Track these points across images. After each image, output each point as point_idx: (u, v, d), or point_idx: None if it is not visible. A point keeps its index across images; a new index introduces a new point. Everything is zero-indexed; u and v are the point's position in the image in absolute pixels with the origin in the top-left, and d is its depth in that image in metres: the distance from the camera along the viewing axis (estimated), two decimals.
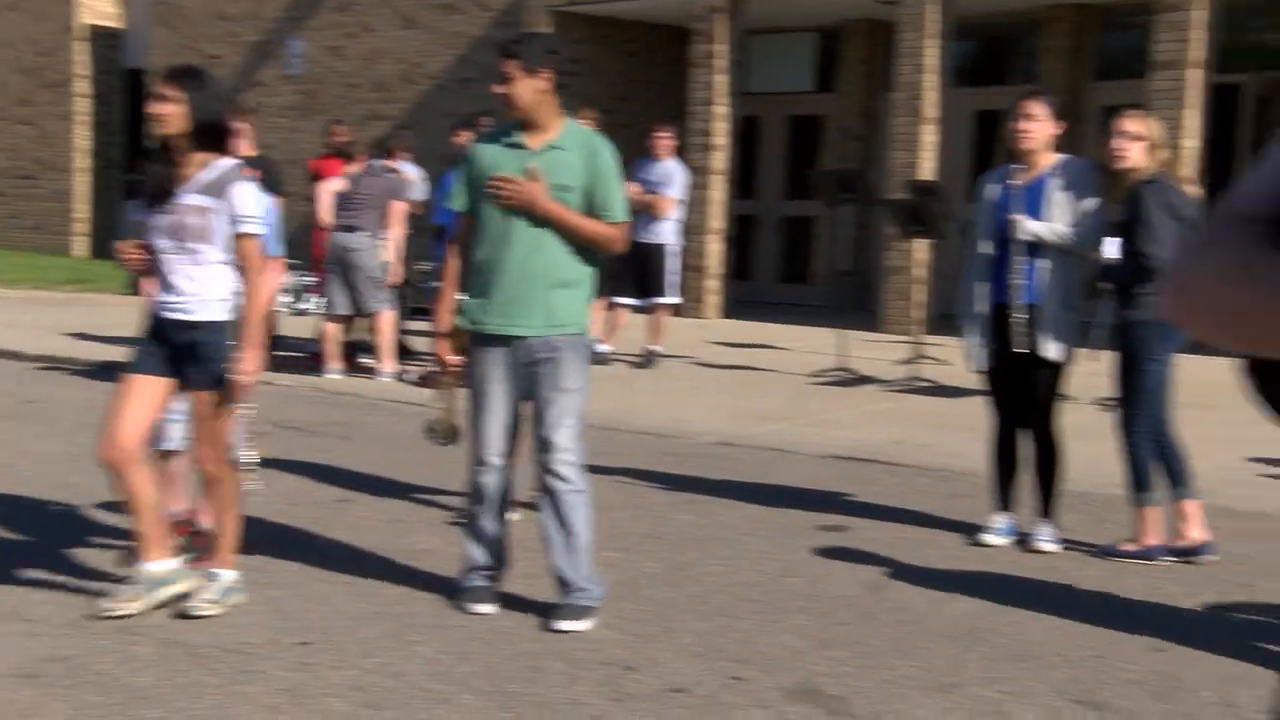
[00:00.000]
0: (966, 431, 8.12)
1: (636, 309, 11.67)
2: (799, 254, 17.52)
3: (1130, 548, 5.86)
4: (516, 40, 5.04)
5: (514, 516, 5.27)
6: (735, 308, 15.49)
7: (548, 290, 4.83)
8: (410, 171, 11.87)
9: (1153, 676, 4.43)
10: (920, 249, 12.54)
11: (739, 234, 16.44)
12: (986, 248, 6.06)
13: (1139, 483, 5.85)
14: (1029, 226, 5.91)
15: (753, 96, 16.79)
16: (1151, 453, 5.82)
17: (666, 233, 11.61)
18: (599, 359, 11.52)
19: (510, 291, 4.83)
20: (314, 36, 19.23)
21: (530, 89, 4.83)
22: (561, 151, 4.87)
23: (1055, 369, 6.00)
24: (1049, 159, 6.03)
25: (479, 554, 5.01)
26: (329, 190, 11.39)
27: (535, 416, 4.90)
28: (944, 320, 11.34)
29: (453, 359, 5.07)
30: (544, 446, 4.87)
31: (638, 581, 5.42)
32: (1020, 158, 6.04)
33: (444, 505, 6.53)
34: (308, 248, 12.22)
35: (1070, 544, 6.03)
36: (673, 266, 11.66)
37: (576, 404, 4.87)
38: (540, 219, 4.82)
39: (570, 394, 4.85)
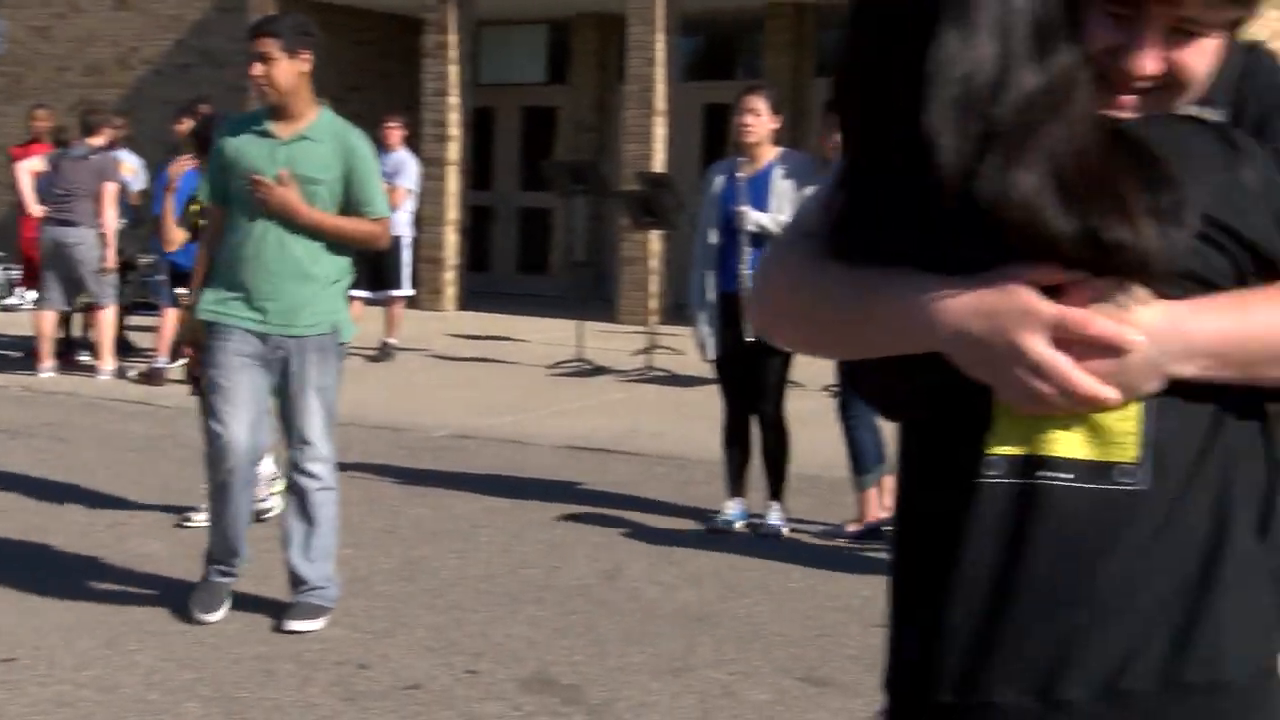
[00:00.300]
0: (701, 419, 8.29)
1: (370, 301, 11.48)
2: (536, 245, 17.56)
3: (855, 528, 6.09)
4: (273, 19, 4.89)
5: (261, 509, 5.12)
6: (473, 299, 15.41)
7: (298, 286, 4.69)
8: (129, 160, 11.36)
9: (870, 651, 4.61)
10: (654, 240, 12.74)
11: (475, 225, 16.36)
12: (714, 238, 6.21)
13: (859, 464, 6.09)
14: (754, 217, 6.08)
15: (486, 88, 16.73)
16: (872, 434, 6.06)
17: (399, 224, 11.44)
18: None
19: (260, 286, 4.67)
20: (16, 15, 18.17)
21: (291, 71, 4.68)
22: (312, 143, 4.72)
23: (783, 357, 6.18)
24: (772, 152, 6.22)
25: (219, 552, 4.83)
26: (27, 171, 10.81)
27: (284, 414, 4.77)
28: (679, 310, 11.54)
29: (195, 352, 4.91)
30: (294, 444, 4.75)
31: (371, 578, 5.33)
32: (744, 151, 6.21)
33: (169, 507, 6.28)
34: (14, 238, 11.56)
35: (799, 526, 6.23)
36: (406, 258, 11.53)
37: (327, 401, 4.77)
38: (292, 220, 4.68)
39: (321, 391, 4.74)
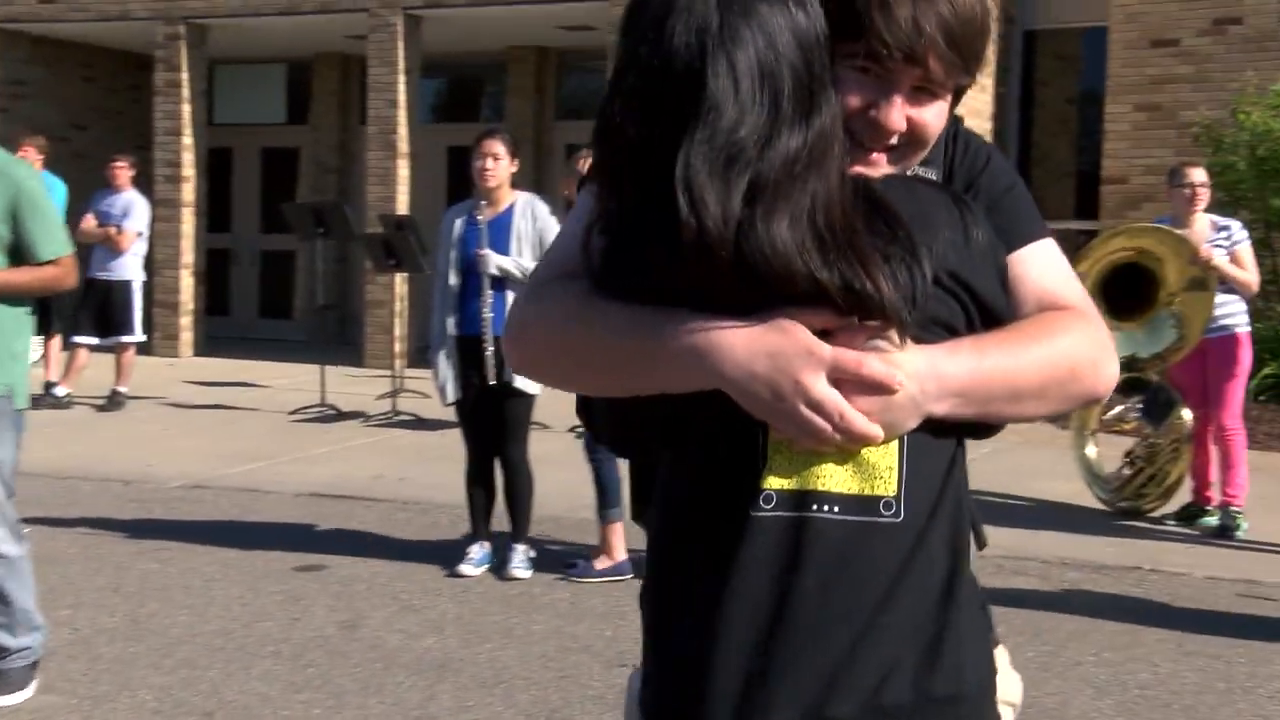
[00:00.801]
0: (446, 463, 8.20)
1: (97, 348, 10.99)
2: (278, 289, 17.13)
3: (602, 565, 6.11)
4: None
5: None
6: (212, 345, 14.93)
7: None
8: None
9: (613, 691, 4.63)
10: (399, 283, 12.60)
11: (214, 268, 15.87)
12: (454, 281, 6.17)
13: (605, 501, 6.12)
14: (495, 260, 6.07)
15: (223, 127, 16.31)
16: (615, 472, 6.11)
17: (128, 267, 11.03)
18: (58, 403, 10.77)
19: None
20: None
21: None
22: None
23: (526, 399, 6.17)
24: (511, 195, 6.23)
25: None
26: None
27: None
28: (424, 353, 11.43)
29: None
30: None
31: (94, 639, 5.07)
32: (484, 194, 6.20)
33: None
34: None
35: (543, 568, 6.22)
36: (137, 302, 11.08)
37: (2, 474, 4.29)
38: None
39: None
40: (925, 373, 1.43)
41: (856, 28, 1.49)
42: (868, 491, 1.45)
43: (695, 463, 1.48)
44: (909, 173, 1.59)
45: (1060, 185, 14.12)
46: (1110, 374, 1.56)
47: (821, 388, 1.39)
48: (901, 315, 1.42)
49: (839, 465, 1.44)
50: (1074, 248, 9.10)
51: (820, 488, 1.44)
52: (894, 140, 1.53)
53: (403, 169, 13.72)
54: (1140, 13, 12.74)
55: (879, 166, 1.54)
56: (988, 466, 8.41)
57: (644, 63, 1.41)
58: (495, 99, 16.34)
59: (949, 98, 1.56)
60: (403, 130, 13.68)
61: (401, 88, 13.60)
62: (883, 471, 1.45)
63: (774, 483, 1.44)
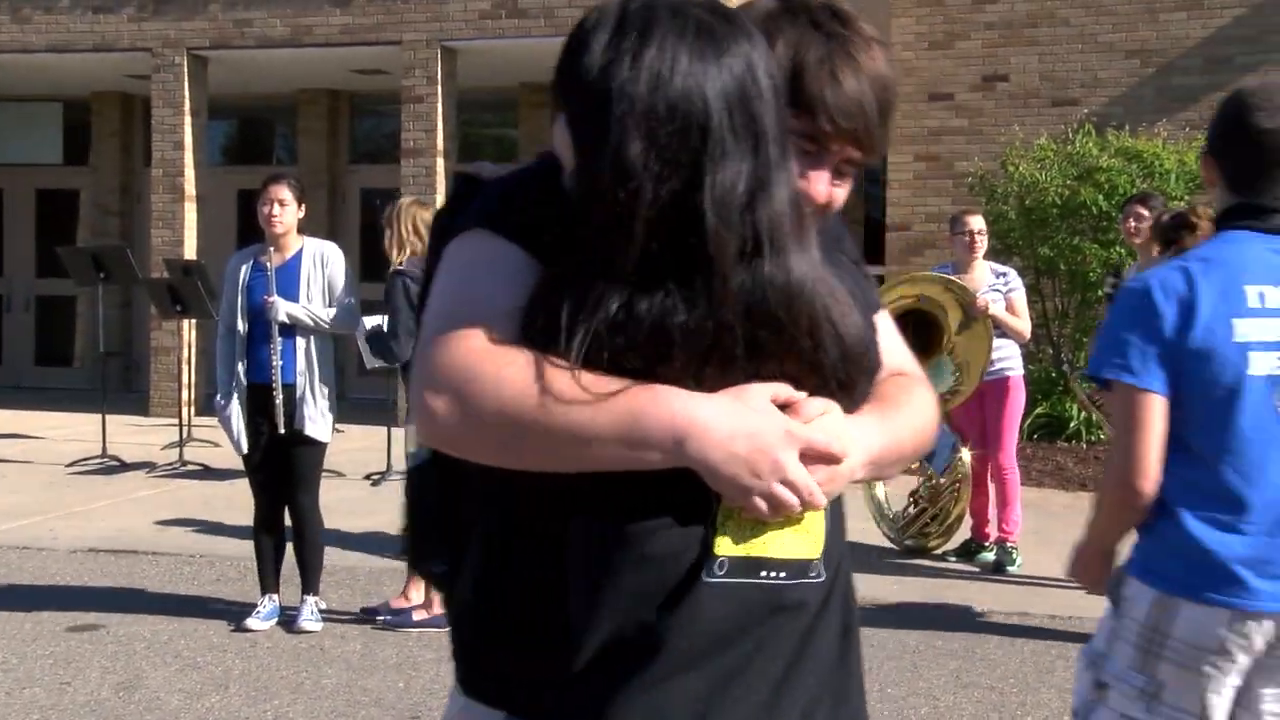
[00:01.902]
0: (235, 513, 7.98)
1: None
2: (58, 335, 16.43)
3: (420, 616, 5.96)
4: None
5: None
6: None
7: None
8: None
9: None
10: (186, 329, 12.24)
11: None
12: (242, 328, 6.03)
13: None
14: (284, 307, 5.95)
15: None
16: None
17: None
18: None
19: None
20: None
21: None
22: None
23: (317, 447, 6.05)
24: (299, 240, 6.13)
25: None
26: None
27: None
28: (213, 401, 11.13)
29: None
30: None
31: None
32: (270, 240, 6.08)
33: None
34: None
35: (333, 619, 6.09)
36: None
37: None
38: None
39: None
40: (860, 443, 1.51)
41: (803, 105, 1.57)
42: (805, 556, 1.51)
43: (635, 529, 1.45)
44: None
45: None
46: (935, 420, 1.70)
47: (796, 467, 1.44)
48: (863, 387, 1.52)
49: (783, 531, 1.49)
50: None
51: (769, 554, 1.48)
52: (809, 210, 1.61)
53: (189, 212, 13.36)
54: (918, 67, 13.28)
55: None
56: None
57: (641, 107, 1.41)
58: (287, 141, 16.06)
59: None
60: (189, 173, 13.32)
61: (188, 129, 13.26)
62: (816, 535, 1.52)
63: (725, 549, 1.46)
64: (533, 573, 1.49)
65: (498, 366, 1.41)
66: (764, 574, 1.48)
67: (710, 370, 1.42)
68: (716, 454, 1.41)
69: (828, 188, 1.63)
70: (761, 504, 1.44)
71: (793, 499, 1.44)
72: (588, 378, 1.39)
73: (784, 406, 1.45)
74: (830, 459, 1.46)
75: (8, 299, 16.40)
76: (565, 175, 1.49)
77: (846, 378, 1.49)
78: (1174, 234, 4.49)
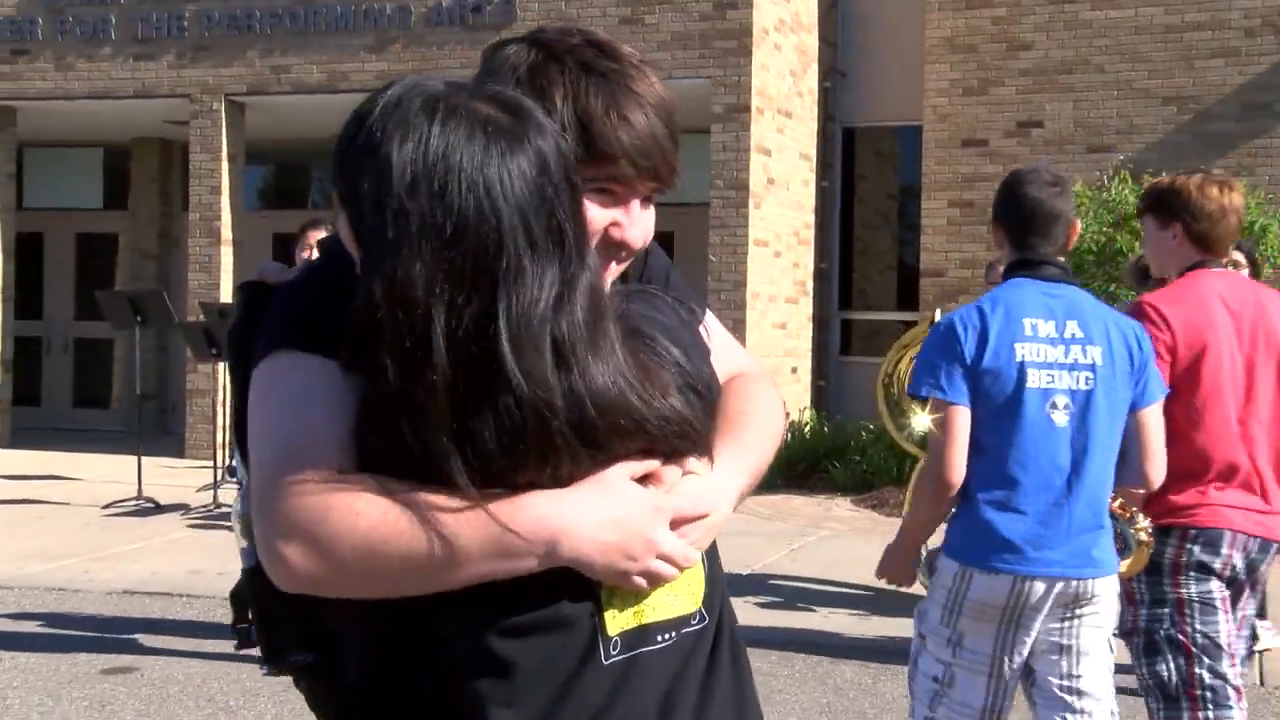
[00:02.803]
0: None
1: None
2: (96, 378, 16.57)
3: None
4: None
5: None
6: (21, 437, 14.35)
7: None
8: None
9: None
10: (222, 372, 12.31)
11: (24, 357, 15.29)
12: None
13: None
14: None
15: (34, 212, 15.81)
16: None
17: None
18: None
19: None
20: None
21: None
22: None
23: None
24: None
25: None
26: None
27: None
28: None
29: None
30: None
31: None
32: None
33: None
34: None
35: None
36: None
37: None
38: None
39: None
40: (724, 487, 1.51)
41: (599, 154, 1.52)
42: (688, 609, 1.51)
43: (521, 622, 1.41)
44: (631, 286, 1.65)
45: (883, 277, 14.54)
46: (781, 406, 1.73)
47: (669, 540, 1.43)
48: (708, 438, 1.49)
49: (664, 592, 1.48)
50: (895, 337, 9.37)
51: (654, 619, 1.48)
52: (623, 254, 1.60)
53: (226, 256, 13.48)
54: (951, 114, 13.28)
55: (608, 275, 1.58)
56: (812, 557, 8.52)
57: (427, 223, 1.31)
58: (323, 186, 16.19)
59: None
60: (226, 216, 13.45)
61: (225, 174, 13.39)
62: (695, 586, 1.52)
63: (615, 627, 1.45)
64: (422, 665, 1.43)
65: (348, 502, 1.34)
66: (658, 638, 1.47)
67: (563, 468, 1.38)
68: (589, 549, 1.39)
69: (639, 228, 1.59)
70: (641, 581, 1.43)
71: (671, 570, 1.44)
72: (441, 498, 1.34)
73: (646, 478, 1.44)
74: (700, 518, 1.47)
75: (47, 341, 16.55)
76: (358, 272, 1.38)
77: (685, 442, 1.47)
78: (1147, 275, 5.44)
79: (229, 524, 9.78)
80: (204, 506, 10.34)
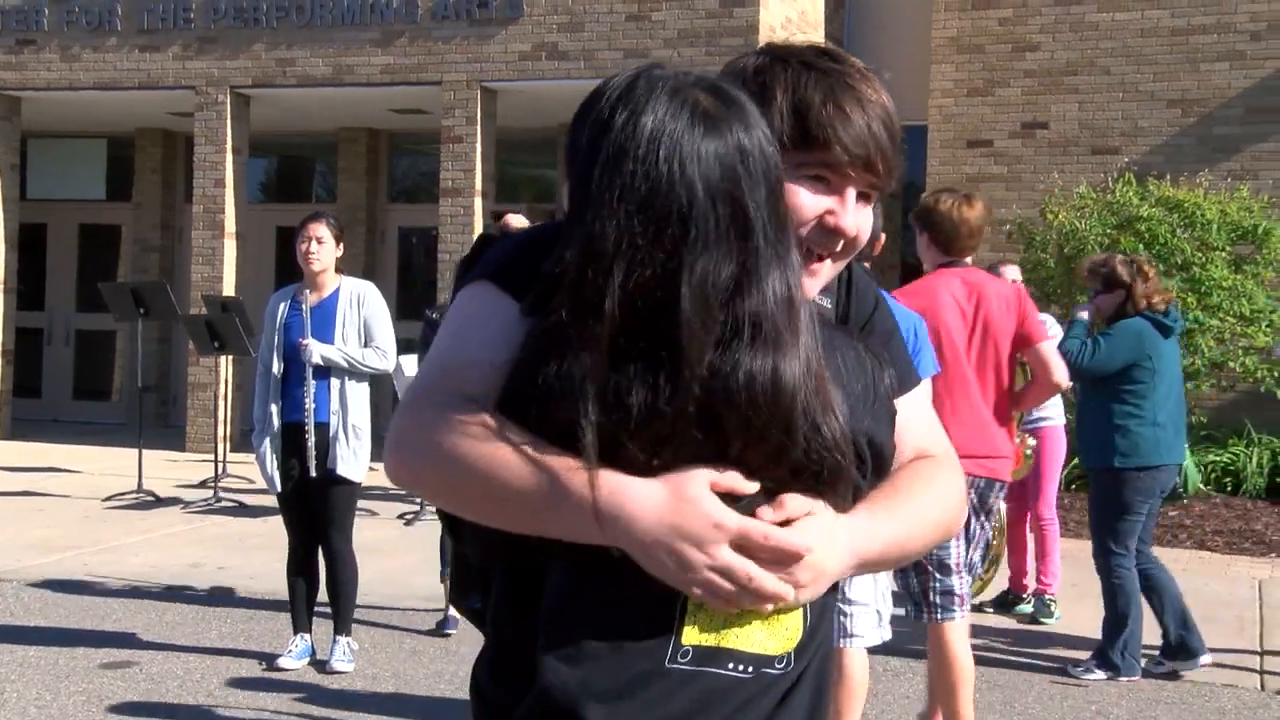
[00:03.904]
0: (268, 551, 7.98)
1: None
2: (96, 369, 16.55)
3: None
4: None
5: None
6: (21, 428, 14.33)
7: None
8: None
9: None
10: (224, 365, 12.30)
11: (25, 348, 15.28)
12: (277, 367, 6.03)
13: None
14: (318, 351, 5.94)
15: (36, 203, 15.79)
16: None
17: None
18: None
19: None
20: None
21: None
22: None
23: (349, 487, 6.04)
24: (336, 280, 6.13)
25: None
26: None
27: None
28: (249, 437, 11.17)
29: None
30: None
31: None
32: (308, 278, 6.10)
33: None
34: None
35: (365, 659, 6.06)
36: None
37: None
38: None
39: None
40: (840, 542, 1.47)
41: (814, 139, 1.57)
42: (775, 651, 1.48)
43: (608, 599, 1.45)
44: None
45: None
46: (964, 515, 1.71)
47: (727, 555, 1.41)
48: (847, 483, 1.48)
49: (753, 624, 1.46)
50: None
51: (734, 646, 1.46)
52: (839, 245, 1.61)
53: (229, 249, 13.46)
54: (957, 114, 13.27)
55: (818, 277, 1.61)
56: None
57: (626, 186, 1.41)
58: (327, 179, 16.18)
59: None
60: (230, 209, 13.43)
61: (229, 166, 13.38)
62: (791, 631, 1.49)
63: (691, 637, 1.45)
64: (518, 615, 1.50)
65: (460, 423, 1.45)
66: (730, 665, 1.46)
67: (666, 452, 1.41)
68: (641, 544, 1.40)
69: (855, 218, 1.61)
70: (698, 592, 1.42)
71: (728, 586, 1.41)
72: (524, 446, 1.42)
73: (729, 495, 1.43)
74: (787, 554, 1.43)
75: (48, 332, 16.54)
76: None
77: (824, 475, 1.45)
78: (1114, 278, 6.01)
79: (230, 518, 9.78)
80: (204, 500, 10.33)
